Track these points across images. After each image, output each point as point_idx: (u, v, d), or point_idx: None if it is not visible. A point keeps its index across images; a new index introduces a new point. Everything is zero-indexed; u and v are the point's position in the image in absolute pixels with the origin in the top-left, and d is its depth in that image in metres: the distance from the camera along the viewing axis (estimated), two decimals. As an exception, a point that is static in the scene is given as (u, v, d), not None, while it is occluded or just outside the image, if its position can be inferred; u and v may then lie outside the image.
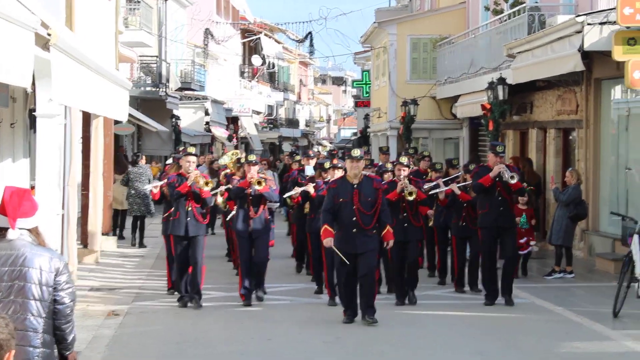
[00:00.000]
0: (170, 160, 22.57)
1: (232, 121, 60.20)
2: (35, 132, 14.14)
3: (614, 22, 18.22)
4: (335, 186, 14.17)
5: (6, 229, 6.55)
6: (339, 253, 13.86)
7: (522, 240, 18.74)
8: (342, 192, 14.00)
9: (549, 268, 19.61)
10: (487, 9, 30.90)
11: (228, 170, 19.60)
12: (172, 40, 46.11)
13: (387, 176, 16.33)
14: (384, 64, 38.57)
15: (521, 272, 18.80)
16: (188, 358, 11.99)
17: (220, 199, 18.38)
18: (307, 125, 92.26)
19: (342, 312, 14.27)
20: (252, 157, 16.16)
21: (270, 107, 74.43)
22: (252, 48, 67.32)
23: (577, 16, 19.70)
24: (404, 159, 16.23)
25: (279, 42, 74.37)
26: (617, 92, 21.74)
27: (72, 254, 17.84)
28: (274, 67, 73.89)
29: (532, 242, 19.15)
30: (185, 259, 15.57)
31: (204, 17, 51.15)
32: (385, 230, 14.04)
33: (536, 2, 26.26)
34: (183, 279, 15.61)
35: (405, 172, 15.74)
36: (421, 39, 36.59)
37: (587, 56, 20.18)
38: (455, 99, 32.61)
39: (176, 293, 16.14)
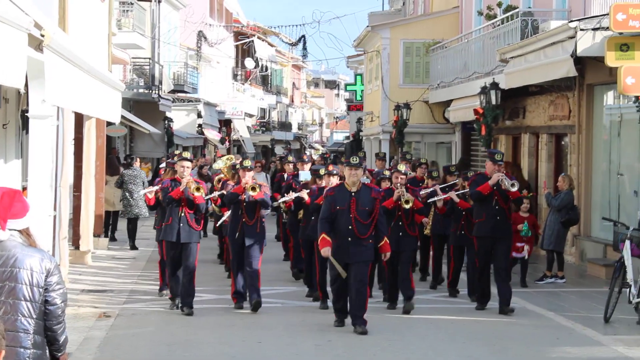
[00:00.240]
0: (164, 164, 22.51)
1: (225, 124, 60.17)
2: (27, 133, 14.12)
3: (607, 28, 18.26)
4: (333, 194, 13.90)
5: (-3, 230, 6.53)
6: (337, 265, 13.68)
7: (519, 244, 18.76)
8: (340, 199, 13.74)
9: (540, 273, 19.63)
10: (480, 13, 30.94)
11: (222, 175, 19.46)
12: (165, 43, 46.09)
13: (385, 184, 16.04)
14: (377, 68, 38.60)
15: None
16: (179, 360, 11.99)
17: (213, 205, 18.22)
18: (299, 129, 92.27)
19: (333, 314, 14.21)
20: (247, 163, 15.82)
21: (262, 110, 74.44)
22: (245, 51, 67.30)
23: (570, 22, 19.73)
24: (402, 167, 16.08)
25: (272, 45, 74.40)
26: (609, 97, 21.78)
27: (64, 255, 17.81)
28: (266, 70, 73.87)
29: (526, 248, 19.03)
30: (177, 265, 15.30)
31: (197, 19, 51.12)
32: (383, 242, 13.83)
33: (529, 8, 26.30)
34: (177, 284, 15.32)
35: (402, 180, 15.59)
36: (414, 43, 36.63)
37: (579, 62, 20.23)
38: (447, 103, 32.64)
39: (164, 293, 16.30)
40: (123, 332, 13.69)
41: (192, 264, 15.20)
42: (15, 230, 6.59)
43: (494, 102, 25.56)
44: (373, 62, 40.53)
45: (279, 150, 72.47)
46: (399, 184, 15.51)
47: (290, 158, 22.72)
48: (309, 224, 16.19)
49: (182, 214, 15.13)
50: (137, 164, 25.81)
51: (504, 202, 15.57)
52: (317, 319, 14.81)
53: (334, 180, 15.22)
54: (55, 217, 16.87)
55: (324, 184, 15.85)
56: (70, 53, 13.21)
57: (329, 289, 15.06)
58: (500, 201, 15.52)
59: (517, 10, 25.77)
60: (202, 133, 51.71)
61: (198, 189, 15.07)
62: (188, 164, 15.35)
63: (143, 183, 24.23)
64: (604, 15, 18.90)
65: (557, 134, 24.42)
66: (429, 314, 15.30)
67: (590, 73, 21.44)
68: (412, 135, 36.19)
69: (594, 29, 19.03)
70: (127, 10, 37.79)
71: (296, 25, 52.45)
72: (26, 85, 11.92)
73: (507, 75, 24.20)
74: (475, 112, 26.48)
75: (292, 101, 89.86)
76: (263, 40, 69.59)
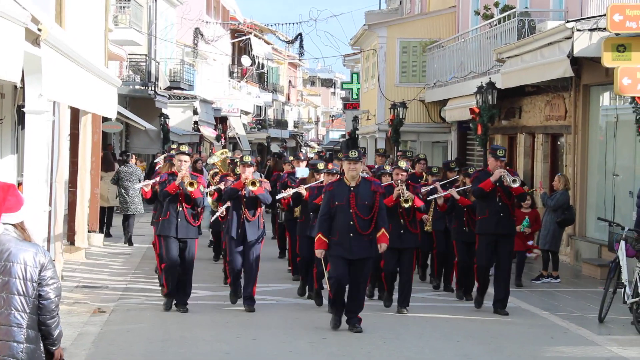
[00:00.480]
0: (159, 159, 22.49)
1: (221, 121, 60.17)
2: (23, 128, 14.09)
3: (604, 29, 18.27)
4: (332, 189, 13.62)
5: (-9, 224, 6.53)
6: (325, 269, 13.66)
7: (530, 243, 18.68)
8: (339, 195, 13.47)
9: (535, 272, 19.63)
10: (477, 13, 30.95)
11: (217, 169, 19.43)
12: (161, 39, 46.07)
13: (386, 179, 15.60)
14: (374, 67, 38.61)
15: (515, 279, 18.31)
16: (173, 356, 11.97)
17: (209, 199, 17.98)
18: (295, 127, 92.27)
19: (327, 312, 14.14)
20: (248, 158, 15.53)
21: (258, 107, 74.44)
22: (241, 48, 67.29)
23: (567, 22, 19.74)
24: (403, 163, 15.79)
25: (268, 43, 74.40)
26: (605, 98, 21.78)
27: (59, 251, 17.79)
28: (263, 67, 73.88)
29: (535, 250, 18.89)
30: (175, 260, 14.92)
31: (194, 16, 51.11)
32: (380, 233, 13.51)
33: (526, 8, 26.32)
34: (173, 281, 14.95)
35: (403, 176, 15.33)
36: (411, 42, 36.64)
37: (576, 62, 20.24)
38: (444, 102, 32.64)
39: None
40: (117, 328, 13.68)
41: (190, 262, 15.08)
42: (9, 224, 6.59)
43: (490, 101, 25.55)
44: (369, 60, 40.54)
45: (274, 148, 72.47)
46: (399, 181, 15.23)
47: (291, 158, 22.46)
48: (307, 220, 15.90)
49: (180, 209, 14.88)
50: (132, 160, 25.85)
51: (507, 199, 15.34)
52: (312, 316, 14.81)
53: (333, 180, 14.84)
54: (50, 212, 16.83)
55: (322, 179, 15.63)
56: (67, 48, 13.20)
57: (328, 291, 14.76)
58: (504, 197, 15.29)
59: (514, 10, 25.79)
60: (198, 130, 51.70)
61: (192, 184, 14.77)
62: (186, 157, 15.05)
63: (139, 180, 24.23)
64: (601, 16, 18.91)
65: (553, 134, 24.44)
66: (424, 313, 15.28)
67: (587, 74, 21.45)
68: (408, 134, 36.20)
69: (591, 30, 19.04)
70: (123, 7, 37.81)
71: (293, 23, 52.50)
72: (22, 80, 11.92)
73: (504, 75, 24.20)
74: (472, 111, 26.48)
75: (288, 99, 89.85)
76: (260, 38, 69.61)
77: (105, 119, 24.86)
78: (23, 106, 12.90)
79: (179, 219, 14.88)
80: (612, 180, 21.09)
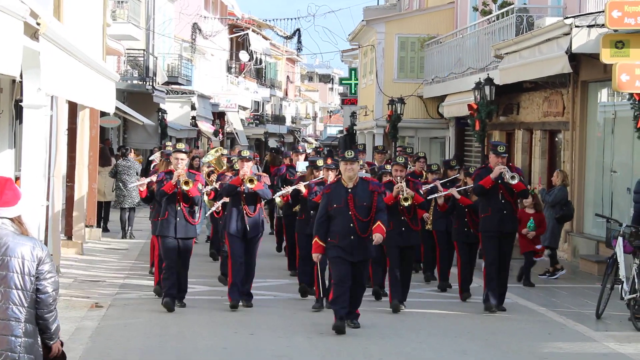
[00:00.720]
0: (155, 156, 22.45)
1: (219, 116, 60.13)
2: (21, 122, 14.08)
3: (602, 25, 18.25)
4: (329, 191, 13.26)
5: (-12, 219, 6.53)
6: (319, 277, 13.61)
7: (538, 247, 18.47)
8: (336, 197, 13.11)
9: (540, 270, 19.28)
10: (475, 9, 30.95)
11: (212, 168, 19.32)
12: (159, 34, 46.04)
13: (387, 179, 15.29)
14: (372, 62, 38.61)
15: (524, 280, 18.18)
16: (170, 351, 11.98)
17: (205, 198, 17.74)
18: (293, 122, 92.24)
19: (329, 322, 13.44)
20: (246, 153, 15.24)
21: (256, 103, 74.39)
22: (239, 44, 67.26)
23: (565, 18, 19.73)
24: (401, 158, 15.33)
25: (266, 39, 74.36)
26: (603, 94, 21.78)
27: (56, 245, 17.79)
28: (261, 63, 73.85)
29: (545, 252, 18.72)
30: (174, 260, 14.67)
31: (192, 11, 51.10)
32: (376, 225, 13.06)
33: (524, 4, 26.31)
34: (172, 280, 14.59)
35: (402, 173, 14.95)
36: (409, 38, 36.64)
37: (574, 58, 20.23)
38: (442, 98, 32.65)
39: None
40: (115, 323, 13.68)
41: (188, 262, 14.93)
42: (6, 218, 6.59)
43: (488, 97, 25.56)
44: (367, 56, 40.53)
45: (272, 143, 72.45)
46: (398, 178, 14.90)
47: (291, 152, 22.35)
48: (307, 218, 15.53)
49: (179, 208, 14.60)
50: (131, 155, 25.89)
51: (509, 196, 15.05)
52: (309, 311, 14.80)
53: (333, 175, 14.76)
54: (48, 207, 16.83)
55: (321, 175, 15.42)
56: (65, 42, 13.19)
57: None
58: (506, 195, 15.01)
59: (512, 6, 25.78)
60: (195, 125, 51.67)
61: (187, 183, 14.43)
62: (183, 155, 14.75)
63: (137, 174, 24.27)
64: (600, 12, 18.90)
65: (551, 130, 24.44)
66: (422, 309, 15.27)
67: (585, 70, 21.45)
68: (406, 130, 36.19)
69: (589, 26, 19.02)
70: (121, 2, 37.77)
71: (291, 19, 52.65)
72: (20, 75, 11.91)
73: (502, 71, 24.20)
74: (470, 107, 26.49)
75: (286, 94, 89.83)
76: (258, 34, 69.56)
77: (103, 114, 24.85)
78: (21, 100, 12.88)
79: (178, 219, 14.62)
80: (610, 177, 21.10)
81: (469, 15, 32.61)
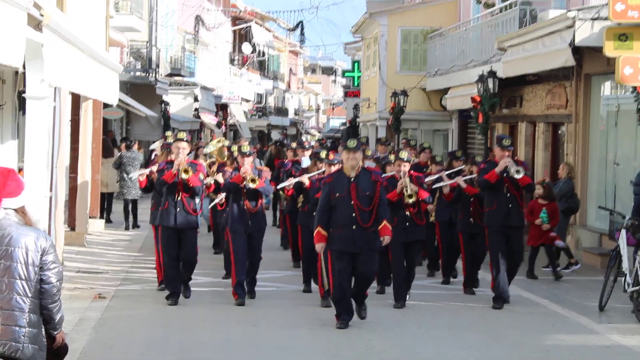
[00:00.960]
0: (155, 145, 22.42)
1: (221, 108, 60.15)
2: (24, 114, 14.09)
3: (606, 18, 18.23)
4: (331, 180, 13.06)
5: (-9, 209, 6.53)
6: (324, 267, 13.31)
7: (552, 234, 18.35)
8: (338, 186, 12.89)
9: (542, 262, 19.22)
10: (478, 2, 30.95)
11: (213, 159, 19.25)
12: (162, 26, 46.01)
13: (391, 169, 15.09)
14: (375, 55, 38.61)
15: (527, 273, 18.02)
16: (174, 342, 11.98)
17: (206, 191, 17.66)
18: (296, 114, 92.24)
19: (332, 313, 13.36)
20: (246, 148, 15.07)
21: (259, 95, 74.40)
22: (242, 36, 67.24)
23: (568, 11, 19.75)
24: (405, 154, 15.05)
25: (269, 31, 74.34)
26: (606, 87, 21.78)
27: (60, 237, 17.79)
28: (264, 55, 73.84)
29: (557, 242, 18.60)
30: (175, 252, 14.51)
31: (195, 3, 51.07)
32: (382, 225, 12.92)
33: (528, -4, 26.29)
34: (173, 274, 14.50)
35: (406, 167, 14.71)
36: (412, 31, 36.64)
37: (577, 51, 20.22)
38: (445, 91, 32.63)
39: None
40: (118, 314, 13.70)
41: (193, 256, 14.57)
42: (10, 209, 6.59)
43: (491, 90, 25.54)
44: (371, 48, 40.53)
45: (275, 135, 72.46)
46: (402, 173, 14.67)
47: (294, 145, 22.18)
48: (310, 209, 15.25)
49: (179, 198, 14.35)
50: (135, 146, 25.97)
51: (515, 189, 14.81)
52: (311, 303, 14.81)
53: (335, 169, 14.27)
54: (51, 198, 16.83)
55: (324, 168, 15.16)
56: (69, 33, 13.20)
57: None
58: (512, 188, 14.77)
59: (515, -1, 25.77)
60: (198, 117, 51.69)
61: (186, 172, 14.23)
62: (184, 144, 14.47)
63: (141, 165, 24.29)
64: (603, 5, 18.88)
65: (554, 123, 24.43)
66: (425, 301, 15.27)
67: (588, 63, 21.44)
68: (409, 122, 36.20)
69: (593, 19, 19.03)
70: (124, -7, 37.73)
71: (294, 11, 52.59)
72: (23, 66, 11.91)
73: (505, 64, 24.19)
74: (473, 100, 26.47)
75: (289, 87, 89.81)
76: (261, 26, 69.53)
77: (106, 105, 24.86)
78: (24, 92, 12.90)
79: (178, 209, 14.35)
80: (613, 170, 21.10)
81: (472, 8, 32.60)
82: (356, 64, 50.29)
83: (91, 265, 18.46)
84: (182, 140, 14.56)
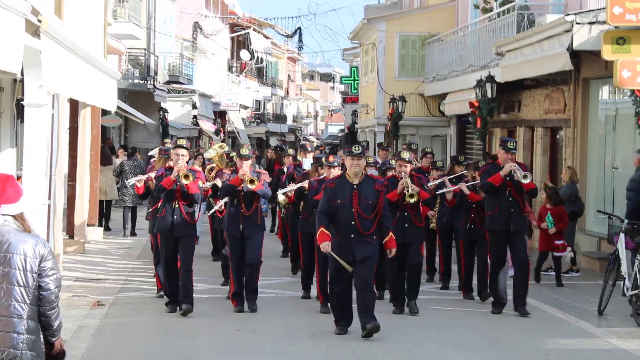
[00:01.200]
0: (153, 152, 22.41)
1: (220, 115, 60.17)
2: (22, 122, 14.09)
3: (604, 22, 18.25)
4: (333, 185, 12.76)
5: (-10, 216, 6.52)
6: (340, 260, 12.57)
7: (558, 242, 17.98)
8: (341, 192, 12.60)
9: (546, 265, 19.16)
10: (476, 7, 30.95)
11: (214, 165, 19.20)
12: (160, 33, 46.05)
13: (391, 174, 14.94)
14: (373, 61, 38.61)
15: (557, 282, 17.82)
16: (173, 349, 11.97)
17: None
18: (294, 121, 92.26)
19: (332, 319, 13.23)
20: (245, 151, 14.75)
21: (257, 102, 74.45)
22: (240, 43, 67.30)
23: (566, 15, 19.74)
24: (406, 154, 14.79)
25: (267, 37, 74.43)
26: (604, 92, 21.79)
27: (58, 244, 17.79)
28: (262, 62, 73.87)
29: (568, 249, 18.23)
30: (173, 260, 14.33)
31: (193, 10, 51.15)
32: (388, 238, 12.74)
33: (525, 1, 26.29)
34: (171, 282, 14.38)
35: (407, 168, 14.51)
36: (410, 36, 36.65)
37: (575, 55, 20.22)
38: (443, 96, 32.64)
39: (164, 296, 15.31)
40: (117, 321, 13.68)
41: (190, 261, 14.30)
42: (8, 215, 6.58)
43: (489, 95, 25.55)
44: (369, 54, 40.53)
45: (273, 142, 72.47)
46: (403, 174, 14.46)
47: (291, 151, 22.12)
48: (310, 216, 15.06)
49: (177, 206, 14.10)
50: (137, 155, 26.05)
51: (517, 193, 14.56)
52: (311, 309, 14.80)
53: (335, 173, 14.30)
54: (49, 206, 16.83)
55: (325, 174, 14.97)
56: (67, 39, 13.21)
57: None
58: (514, 192, 14.53)
59: (513, 3, 25.77)
60: (197, 124, 51.70)
61: (187, 177, 13.98)
62: (184, 151, 14.19)
63: (142, 173, 24.22)
64: (601, 9, 18.90)
65: (553, 127, 24.43)
66: (424, 305, 15.22)
67: (586, 67, 21.44)
68: (407, 127, 36.21)
69: (590, 23, 19.05)
70: (123, 1, 37.76)
71: (292, 18, 52.70)
72: (22, 73, 11.92)
73: (503, 69, 24.20)
74: (471, 105, 26.49)
75: (287, 93, 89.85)
76: (258, 32, 69.60)
77: (104, 113, 24.87)
78: (22, 100, 12.89)
79: (175, 216, 14.08)
80: (612, 174, 21.09)
81: (470, 13, 32.61)
82: (354, 70, 50.31)
83: (90, 272, 18.44)
84: (181, 147, 14.32)
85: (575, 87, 22.45)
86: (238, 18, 66.21)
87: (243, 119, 66.45)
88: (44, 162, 13.78)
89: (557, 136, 24.39)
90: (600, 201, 21.29)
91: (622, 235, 14.74)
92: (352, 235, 12.54)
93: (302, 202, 16.23)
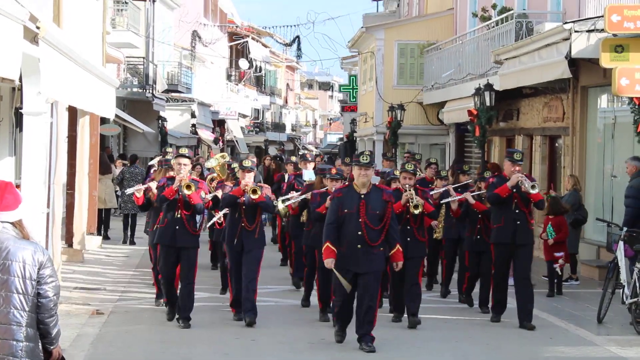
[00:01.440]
0: (153, 162, 22.39)
1: (219, 124, 60.18)
2: (21, 130, 14.09)
3: (602, 30, 18.28)
4: (341, 195, 12.52)
5: (-11, 223, 6.52)
6: (341, 278, 12.44)
7: (557, 254, 17.68)
8: (348, 202, 12.36)
9: (542, 271, 19.14)
10: (474, 15, 30.98)
11: (215, 174, 19.14)
12: (159, 42, 46.06)
13: (395, 185, 14.54)
14: (371, 69, 38.62)
15: (556, 291, 17.65)
16: (172, 357, 11.96)
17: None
18: (293, 130, 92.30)
19: (332, 328, 13.20)
20: (248, 163, 14.52)
21: (256, 110, 74.47)
22: (239, 51, 67.34)
23: (564, 23, 19.75)
24: (410, 166, 14.51)
25: (266, 46, 74.46)
26: (603, 100, 21.80)
27: (57, 253, 17.77)
28: (260, 70, 73.92)
29: (560, 260, 17.76)
30: (172, 272, 14.00)
31: (192, 19, 51.17)
32: (395, 250, 12.55)
33: (524, 9, 26.34)
34: (171, 296, 14.20)
35: (411, 181, 14.24)
36: (408, 45, 36.67)
37: (574, 63, 20.23)
38: (442, 104, 32.66)
39: (161, 302, 15.35)
40: (116, 330, 13.66)
41: (192, 274, 14.05)
42: (7, 222, 6.58)
43: (488, 103, 25.56)
44: (367, 63, 40.55)
45: (272, 151, 72.44)
46: (407, 186, 14.18)
47: (294, 158, 22.04)
48: (314, 229, 14.86)
49: (179, 216, 13.87)
50: (138, 162, 26.07)
51: (524, 206, 14.26)
52: (311, 317, 14.79)
53: (337, 186, 13.97)
54: (48, 214, 16.82)
55: (328, 187, 14.65)
56: (65, 47, 13.21)
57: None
58: (521, 204, 14.21)
59: (511, 12, 25.81)
60: (195, 133, 51.71)
61: (189, 187, 13.73)
62: (186, 161, 13.91)
63: (143, 181, 24.22)
64: (599, 17, 18.92)
65: (551, 135, 24.44)
66: (423, 313, 15.16)
67: (585, 75, 21.46)
68: (406, 136, 36.20)
69: (589, 31, 19.05)
70: (121, 9, 37.80)
71: (291, 26, 52.79)
72: (20, 81, 11.92)
73: (502, 77, 24.20)
74: (469, 113, 26.50)
75: (286, 102, 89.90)
76: (257, 41, 69.64)
77: (103, 122, 24.87)
78: (21, 108, 12.88)
79: (177, 227, 13.80)
80: (611, 182, 21.10)
81: (468, 21, 32.63)
82: (353, 79, 50.34)
83: (89, 281, 18.42)
84: (184, 156, 14.10)
85: (573, 95, 22.46)
86: (237, 27, 66.26)
87: (242, 127, 66.48)
88: (42, 170, 13.77)
89: (556, 144, 24.40)
90: (599, 209, 21.29)
91: (621, 243, 14.75)
92: (359, 245, 12.32)
93: (304, 213, 15.97)
